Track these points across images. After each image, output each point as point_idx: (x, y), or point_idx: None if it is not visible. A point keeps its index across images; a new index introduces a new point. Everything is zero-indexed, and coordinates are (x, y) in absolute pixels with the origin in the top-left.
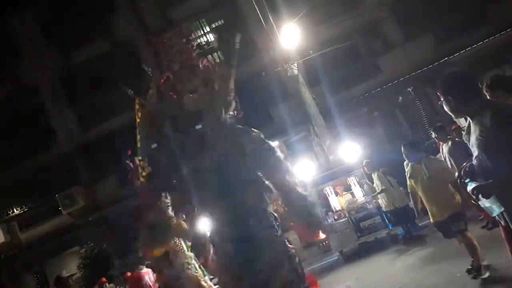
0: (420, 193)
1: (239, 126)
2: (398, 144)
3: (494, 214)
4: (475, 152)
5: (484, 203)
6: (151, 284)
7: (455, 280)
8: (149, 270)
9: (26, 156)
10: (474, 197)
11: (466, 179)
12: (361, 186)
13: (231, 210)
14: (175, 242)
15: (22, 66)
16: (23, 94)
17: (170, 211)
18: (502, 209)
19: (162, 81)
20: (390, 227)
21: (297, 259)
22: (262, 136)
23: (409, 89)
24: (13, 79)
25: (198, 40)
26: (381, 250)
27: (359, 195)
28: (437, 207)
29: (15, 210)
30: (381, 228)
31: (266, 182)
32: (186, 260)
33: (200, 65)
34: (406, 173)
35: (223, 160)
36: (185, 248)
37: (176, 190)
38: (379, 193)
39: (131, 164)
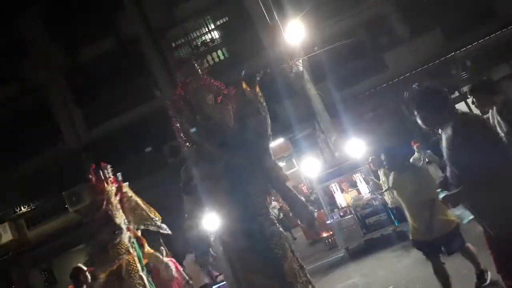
0: (404, 207)
1: (260, 143)
2: (404, 140)
3: (465, 222)
4: (447, 162)
5: (455, 211)
6: (174, 272)
7: (462, 277)
8: (171, 262)
9: (33, 154)
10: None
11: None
12: (367, 182)
13: (241, 208)
14: (129, 261)
15: (27, 64)
16: (29, 93)
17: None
18: (471, 217)
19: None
20: (396, 224)
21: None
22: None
23: (415, 85)
24: (18, 77)
25: (203, 38)
26: (387, 247)
27: (365, 191)
28: (423, 224)
29: (22, 208)
30: (387, 225)
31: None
32: (138, 281)
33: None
34: (384, 182)
35: (237, 166)
36: (139, 267)
37: (192, 194)
38: (386, 190)
39: (93, 178)
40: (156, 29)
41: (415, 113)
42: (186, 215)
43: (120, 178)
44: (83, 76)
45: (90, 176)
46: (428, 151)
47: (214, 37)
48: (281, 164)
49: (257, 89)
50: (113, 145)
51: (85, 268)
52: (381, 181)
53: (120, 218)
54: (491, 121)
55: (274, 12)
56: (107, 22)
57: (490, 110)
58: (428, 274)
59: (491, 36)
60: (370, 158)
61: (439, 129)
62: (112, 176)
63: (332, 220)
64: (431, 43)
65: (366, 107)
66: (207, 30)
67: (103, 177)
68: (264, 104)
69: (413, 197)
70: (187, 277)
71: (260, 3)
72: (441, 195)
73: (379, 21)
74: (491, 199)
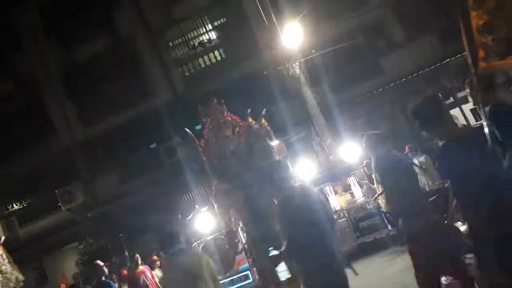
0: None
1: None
2: (399, 144)
3: None
4: None
5: None
6: (148, 283)
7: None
8: (145, 269)
9: (26, 151)
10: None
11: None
12: (361, 186)
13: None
14: None
15: (22, 60)
16: (23, 89)
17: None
18: None
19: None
20: (390, 228)
21: None
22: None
23: (410, 90)
24: (13, 73)
25: (200, 38)
26: (381, 250)
27: (359, 195)
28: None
29: (14, 205)
30: (381, 229)
31: None
32: None
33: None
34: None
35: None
36: None
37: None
38: (379, 194)
39: None
40: (153, 28)
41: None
42: (179, 216)
43: None
44: (79, 74)
45: None
46: (422, 157)
47: (212, 38)
48: None
49: (263, 121)
50: (107, 144)
51: (102, 264)
52: (375, 185)
53: None
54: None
55: (272, 14)
56: (104, 20)
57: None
58: None
59: None
60: (365, 161)
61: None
62: None
63: None
64: (428, 47)
65: (361, 111)
66: (204, 30)
67: None
68: (270, 134)
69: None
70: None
71: (258, 4)
72: None
73: (376, 26)
74: None
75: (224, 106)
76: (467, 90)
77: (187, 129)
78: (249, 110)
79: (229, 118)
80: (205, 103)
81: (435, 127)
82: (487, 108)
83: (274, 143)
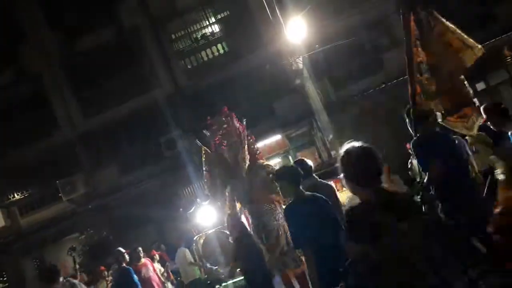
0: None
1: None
2: (401, 141)
3: None
4: None
5: None
6: (150, 275)
7: None
8: (147, 262)
9: (28, 142)
10: None
11: None
12: None
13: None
14: None
15: (24, 51)
16: (25, 80)
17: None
18: None
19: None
20: None
21: None
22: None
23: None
24: (15, 64)
25: (203, 31)
26: None
27: None
28: None
29: (15, 195)
30: None
31: None
32: None
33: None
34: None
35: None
36: None
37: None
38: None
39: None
40: (156, 20)
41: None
42: (181, 209)
43: None
44: (81, 65)
45: None
46: None
47: (215, 31)
48: (277, 160)
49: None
50: (109, 136)
51: (123, 250)
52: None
53: None
54: None
55: (276, 8)
56: (107, 11)
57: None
58: None
59: (491, 41)
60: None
61: None
62: None
63: None
64: None
65: (363, 106)
66: (207, 23)
67: None
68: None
69: None
70: (171, 276)
71: None
72: None
73: (379, 21)
74: None
75: (233, 114)
76: (406, 119)
77: (198, 141)
78: (244, 121)
79: (238, 126)
80: (215, 114)
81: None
82: (413, 140)
83: (274, 138)
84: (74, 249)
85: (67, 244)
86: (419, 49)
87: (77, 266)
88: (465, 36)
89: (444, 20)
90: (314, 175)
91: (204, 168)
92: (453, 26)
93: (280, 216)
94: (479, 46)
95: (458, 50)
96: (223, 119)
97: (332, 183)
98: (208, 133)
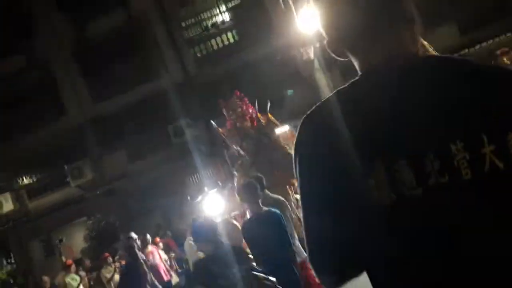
0: None
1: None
2: None
3: None
4: None
5: None
6: (157, 262)
7: None
8: (154, 249)
9: (37, 127)
10: None
11: None
12: None
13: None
14: None
15: (34, 37)
16: (35, 66)
17: None
18: None
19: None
20: None
21: None
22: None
23: None
24: (25, 50)
25: (214, 19)
26: None
27: None
28: None
29: (24, 179)
30: None
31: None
32: None
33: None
34: None
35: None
36: None
37: None
38: None
39: None
40: (167, 7)
41: None
42: (188, 197)
43: None
44: (91, 51)
45: None
46: None
47: (225, 19)
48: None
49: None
50: (117, 122)
51: (135, 236)
52: None
53: None
54: None
55: None
56: None
57: None
58: None
59: (508, 33)
60: None
61: None
62: None
63: None
64: (446, 37)
65: None
66: (218, 11)
67: None
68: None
69: None
70: (175, 265)
71: None
72: None
73: None
74: None
75: (245, 99)
76: None
77: (212, 122)
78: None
79: (250, 111)
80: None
81: None
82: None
83: (282, 130)
84: (61, 240)
85: (75, 227)
86: None
87: None
88: None
89: None
90: None
91: (229, 146)
92: None
93: (293, 204)
94: None
95: None
96: (237, 101)
97: None
98: (215, 125)
